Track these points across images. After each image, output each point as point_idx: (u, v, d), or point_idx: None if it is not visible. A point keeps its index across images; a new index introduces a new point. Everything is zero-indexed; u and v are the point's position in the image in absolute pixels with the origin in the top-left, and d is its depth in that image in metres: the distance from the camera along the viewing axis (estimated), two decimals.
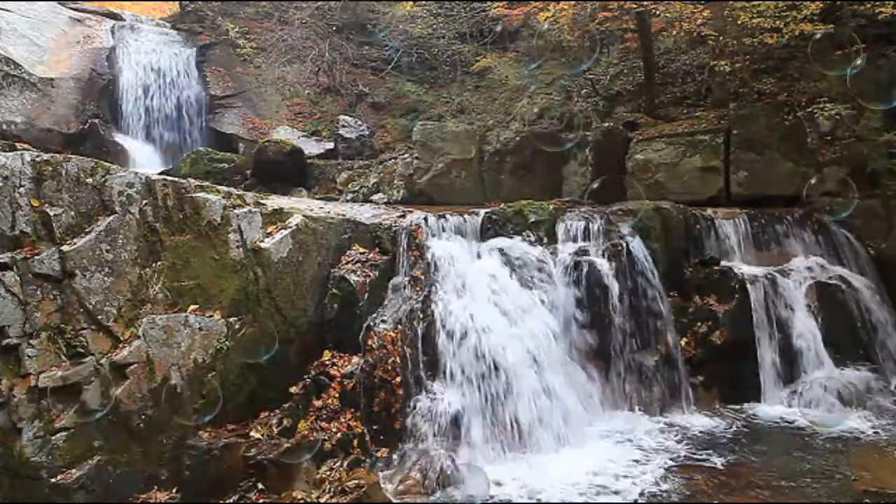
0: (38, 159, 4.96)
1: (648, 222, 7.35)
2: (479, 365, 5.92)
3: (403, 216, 6.78)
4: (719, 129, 8.82)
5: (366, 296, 6.05)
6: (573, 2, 9.93)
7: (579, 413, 6.24)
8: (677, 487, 5.20)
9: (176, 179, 5.63)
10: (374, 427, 5.59)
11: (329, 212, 6.51)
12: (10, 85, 11.40)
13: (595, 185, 8.57)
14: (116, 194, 5.16)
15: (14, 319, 4.70)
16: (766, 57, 9.43)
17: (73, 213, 5.02)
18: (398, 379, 5.69)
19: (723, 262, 7.48)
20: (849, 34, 7.88)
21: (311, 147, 12.27)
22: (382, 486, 5.20)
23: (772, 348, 7.05)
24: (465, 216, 7.04)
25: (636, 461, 5.68)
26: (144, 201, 5.27)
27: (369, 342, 5.76)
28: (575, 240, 7.12)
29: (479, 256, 6.73)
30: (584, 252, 6.98)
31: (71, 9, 13.57)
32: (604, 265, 6.89)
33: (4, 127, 11.10)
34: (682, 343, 6.99)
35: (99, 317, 4.99)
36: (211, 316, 5.43)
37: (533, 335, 6.28)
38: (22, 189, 4.85)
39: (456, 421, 5.66)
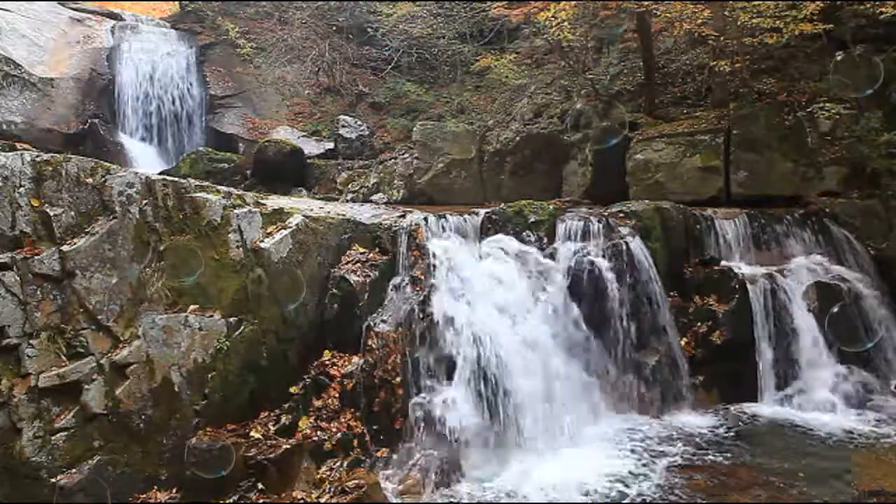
0: (38, 159, 4.97)
1: (648, 222, 7.35)
2: (478, 365, 5.92)
3: (403, 216, 6.78)
4: (719, 129, 8.81)
5: (366, 296, 6.05)
6: (573, 1, 9.91)
7: (579, 413, 6.24)
8: (677, 487, 5.20)
9: (176, 179, 5.63)
10: (374, 427, 5.59)
11: (329, 212, 6.51)
12: (10, 85, 11.41)
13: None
14: (116, 194, 5.16)
15: (14, 319, 4.70)
16: (766, 57, 9.42)
17: (73, 213, 5.02)
18: (398, 379, 5.70)
19: (723, 262, 7.47)
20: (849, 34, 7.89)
21: (311, 147, 12.29)
22: (382, 486, 5.20)
23: (772, 348, 7.05)
24: (466, 216, 7.04)
25: (636, 461, 5.68)
26: (144, 201, 5.27)
27: (369, 342, 5.77)
28: (575, 240, 7.11)
29: (479, 257, 6.73)
30: (585, 252, 6.97)
31: (71, 9, 13.59)
32: (604, 265, 6.88)
33: (4, 127, 11.11)
34: (682, 343, 6.99)
35: (99, 317, 4.99)
36: (211, 316, 5.43)
37: (533, 335, 6.28)
38: (22, 189, 4.86)
39: (456, 421, 5.66)
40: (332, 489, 5.07)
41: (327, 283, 6.08)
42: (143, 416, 5.03)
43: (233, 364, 5.47)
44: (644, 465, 5.61)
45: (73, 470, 4.73)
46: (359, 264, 6.21)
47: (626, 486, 5.27)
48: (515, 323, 6.28)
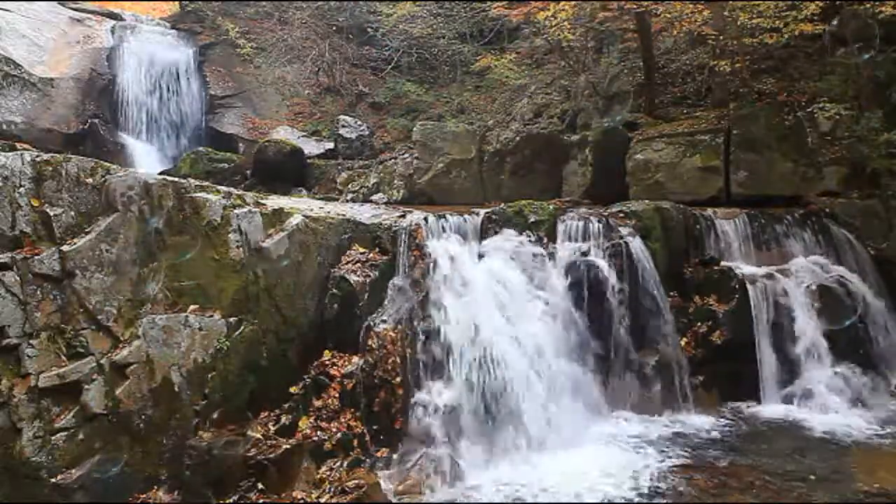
0: (38, 159, 4.97)
1: (648, 222, 7.34)
2: (478, 365, 5.92)
3: (403, 216, 6.78)
4: (719, 129, 8.81)
5: (366, 296, 6.04)
6: (573, 1, 9.92)
7: (579, 413, 6.23)
8: (677, 487, 5.20)
9: (176, 179, 5.63)
10: (374, 427, 5.59)
11: (329, 212, 6.51)
12: (10, 85, 11.40)
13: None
14: (116, 195, 5.15)
15: (14, 319, 4.70)
16: (766, 57, 9.42)
17: (73, 213, 5.02)
18: (398, 379, 5.69)
19: (723, 262, 7.47)
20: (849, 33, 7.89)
21: (311, 147, 12.29)
22: (382, 486, 5.20)
23: (772, 348, 7.05)
24: (466, 216, 7.04)
25: (636, 461, 5.67)
26: (144, 201, 5.27)
27: (369, 342, 5.76)
28: (575, 240, 7.11)
29: (479, 257, 6.73)
30: (585, 252, 6.97)
31: (71, 9, 13.57)
32: (604, 265, 6.88)
33: (4, 127, 11.10)
34: (682, 343, 6.99)
35: (99, 317, 4.99)
36: (211, 316, 5.43)
37: (532, 335, 6.28)
38: (22, 189, 4.85)
39: (456, 421, 5.66)
40: (332, 489, 5.07)
41: (327, 283, 6.07)
42: (143, 416, 5.03)
43: (233, 364, 5.47)
44: (644, 464, 5.60)
45: (73, 469, 4.72)
46: (359, 264, 6.21)
47: (626, 485, 5.26)
48: (515, 323, 6.27)
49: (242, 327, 5.55)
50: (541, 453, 5.75)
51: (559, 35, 10.40)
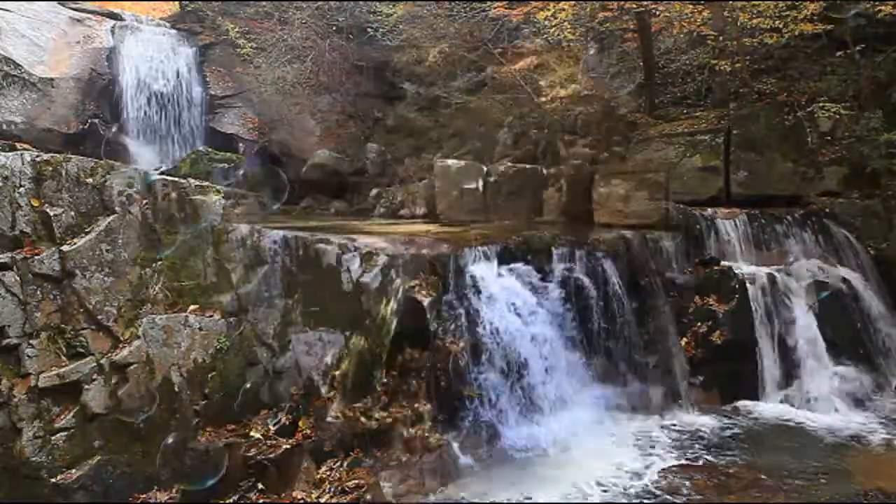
0: (38, 159, 4.97)
1: (616, 248, 7.34)
2: (479, 365, 5.92)
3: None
4: (719, 129, 8.80)
5: None
6: (573, 1, 9.92)
7: (579, 414, 6.23)
8: (677, 487, 5.19)
9: (176, 179, 5.65)
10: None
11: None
12: (10, 85, 11.38)
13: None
14: (116, 194, 5.16)
15: (14, 319, 4.70)
16: (766, 57, 9.42)
17: (73, 213, 5.02)
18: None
19: (723, 262, 7.47)
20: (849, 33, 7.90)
21: (345, 166, 12.96)
22: (382, 486, 5.20)
23: (772, 348, 7.05)
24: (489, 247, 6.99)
25: (636, 461, 5.67)
26: (144, 201, 5.27)
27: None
28: (566, 261, 7.08)
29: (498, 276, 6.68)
30: (571, 270, 6.96)
31: (71, 9, 13.54)
32: (586, 280, 6.88)
33: (4, 127, 11.08)
34: (682, 343, 6.99)
35: (99, 317, 4.99)
36: (211, 316, 5.43)
37: (535, 338, 6.27)
38: (22, 189, 4.86)
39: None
40: (332, 489, 5.06)
41: None
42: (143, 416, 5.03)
43: (233, 364, 5.47)
44: (644, 464, 5.60)
45: (73, 469, 4.72)
46: None
47: (626, 485, 5.26)
48: (524, 324, 6.26)
49: (242, 327, 5.55)
50: (540, 455, 5.75)
51: (559, 35, 10.41)
